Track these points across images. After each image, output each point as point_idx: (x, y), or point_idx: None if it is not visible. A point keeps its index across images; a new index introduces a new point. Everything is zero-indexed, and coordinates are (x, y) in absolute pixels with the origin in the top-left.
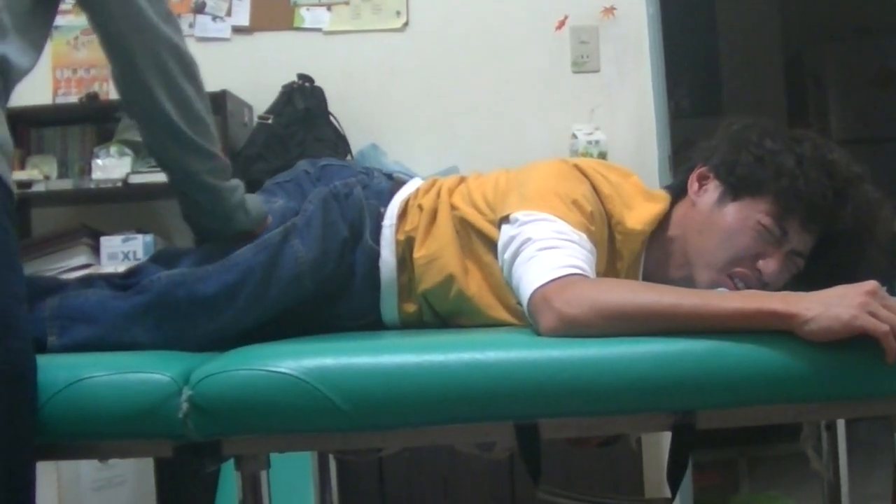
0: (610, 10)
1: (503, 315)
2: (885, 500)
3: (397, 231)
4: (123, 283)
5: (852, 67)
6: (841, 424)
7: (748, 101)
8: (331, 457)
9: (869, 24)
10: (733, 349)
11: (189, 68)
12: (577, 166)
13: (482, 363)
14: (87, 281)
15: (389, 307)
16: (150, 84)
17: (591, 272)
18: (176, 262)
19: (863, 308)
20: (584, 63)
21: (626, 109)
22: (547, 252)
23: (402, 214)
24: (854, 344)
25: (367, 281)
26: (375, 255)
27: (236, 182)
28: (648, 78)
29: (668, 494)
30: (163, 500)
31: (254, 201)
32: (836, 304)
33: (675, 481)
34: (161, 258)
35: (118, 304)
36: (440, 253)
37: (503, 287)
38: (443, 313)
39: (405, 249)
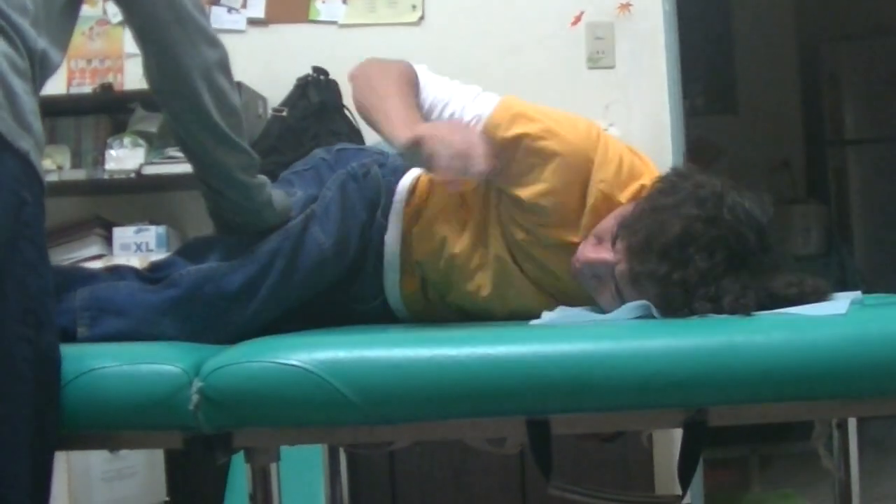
0: (626, 7)
1: (484, 281)
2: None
3: (407, 204)
4: (152, 276)
5: (868, 66)
6: (853, 423)
7: (763, 99)
8: (341, 449)
9: (885, 23)
10: (746, 346)
11: (224, 61)
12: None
13: (494, 358)
14: (118, 272)
15: (392, 284)
16: (190, 76)
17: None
18: (203, 256)
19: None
20: (599, 59)
21: (641, 106)
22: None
23: (413, 189)
24: (866, 342)
25: (378, 257)
26: (384, 231)
27: (264, 178)
28: (664, 74)
29: (679, 491)
30: (173, 492)
31: (279, 196)
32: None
33: (685, 478)
34: (188, 252)
35: (148, 297)
36: (435, 218)
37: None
38: (437, 286)
39: (411, 221)
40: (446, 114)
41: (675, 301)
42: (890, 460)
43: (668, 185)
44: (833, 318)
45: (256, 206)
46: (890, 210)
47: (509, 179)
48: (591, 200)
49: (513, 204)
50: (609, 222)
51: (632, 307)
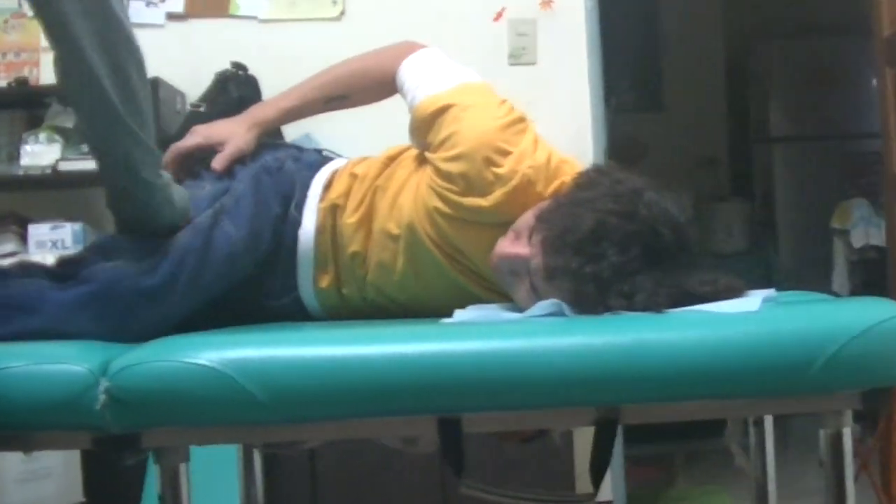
0: (548, 3)
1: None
2: (815, 496)
3: (321, 199)
4: (62, 272)
5: (793, 65)
6: (769, 420)
7: (689, 97)
8: (255, 450)
9: (811, 21)
10: (657, 344)
11: (136, 56)
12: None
13: (404, 356)
14: (26, 270)
15: (305, 278)
16: (95, 73)
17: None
18: (115, 254)
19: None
20: (521, 55)
21: (563, 103)
22: None
23: (328, 185)
24: (777, 339)
25: (291, 253)
26: (298, 226)
27: (168, 177)
28: (586, 72)
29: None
30: (89, 493)
31: (180, 194)
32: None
33: (597, 476)
34: (99, 249)
35: (59, 294)
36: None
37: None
38: (355, 272)
39: (327, 217)
40: (409, 103)
41: (589, 296)
42: (815, 456)
43: (586, 180)
44: (745, 315)
45: (157, 204)
46: (814, 207)
47: (431, 147)
48: (513, 182)
49: (433, 171)
50: (527, 217)
51: (544, 305)
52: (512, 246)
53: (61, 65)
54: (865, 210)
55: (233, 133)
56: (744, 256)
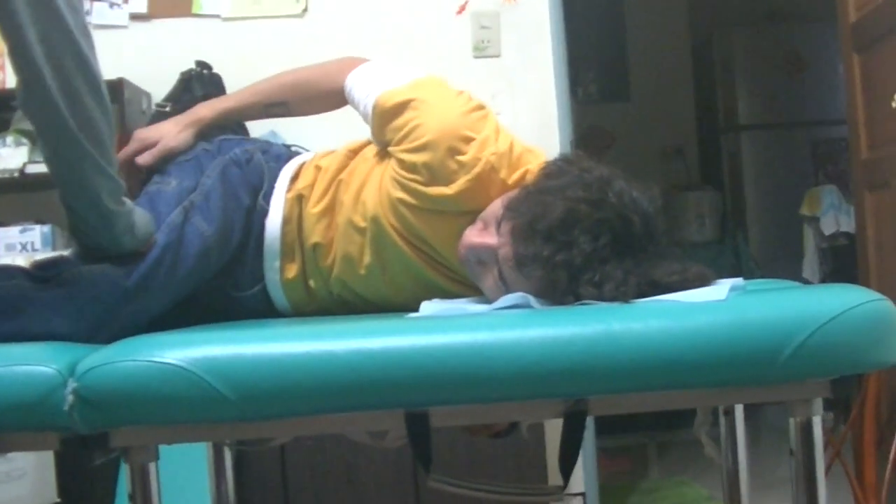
0: None
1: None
2: (789, 486)
3: (288, 190)
4: (43, 274)
5: (760, 53)
6: (739, 409)
7: (656, 86)
8: (226, 447)
9: (777, 10)
10: (623, 334)
11: (92, 80)
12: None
13: (370, 351)
14: (6, 272)
15: (272, 269)
16: (50, 96)
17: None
18: (93, 256)
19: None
20: (485, 48)
21: (528, 95)
22: None
23: (295, 176)
24: (744, 328)
25: (258, 242)
26: (265, 215)
27: (130, 205)
28: (550, 63)
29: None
30: (63, 493)
31: (142, 219)
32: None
33: (566, 468)
34: (76, 251)
35: (39, 295)
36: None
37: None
38: (321, 268)
39: (293, 206)
40: (363, 111)
41: (560, 284)
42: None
43: (554, 169)
44: (712, 304)
45: (118, 232)
46: (783, 195)
47: (393, 141)
48: (477, 170)
49: (396, 164)
50: (495, 207)
51: (510, 298)
52: (479, 235)
53: (20, 87)
54: (835, 197)
55: (166, 132)
56: (713, 245)
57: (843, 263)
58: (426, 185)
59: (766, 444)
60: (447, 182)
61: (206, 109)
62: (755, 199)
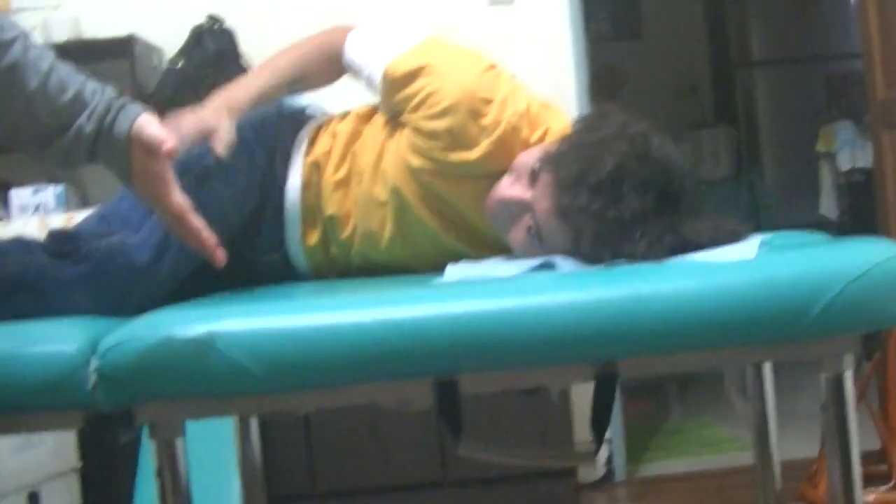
0: None
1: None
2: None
3: (306, 154)
4: (60, 249)
5: None
6: (768, 367)
7: (668, 24)
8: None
9: None
10: (652, 296)
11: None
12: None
13: (397, 321)
14: (26, 247)
15: (293, 234)
16: None
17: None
18: (109, 227)
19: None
20: None
21: (543, 39)
22: None
23: (313, 140)
24: (773, 286)
25: (278, 208)
26: (284, 180)
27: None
28: (565, 5)
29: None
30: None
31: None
32: None
33: (599, 431)
34: (97, 220)
35: (59, 272)
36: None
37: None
38: (342, 240)
39: (311, 172)
40: (367, 78)
41: (606, 240)
42: (808, 382)
43: (593, 122)
44: (741, 263)
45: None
46: (798, 131)
47: (408, 108)
48: (499, 132)
49: (413, 132)
50: (528, 159)
51: (535, 261)
52: (511, 188)
53: None
54: (850, 132)
55: (217, 124)
56: (729, 182)
57: (859, 199)
58: (447, 150)
59: (786, 379)
60: (470, 146)
61: (241, 93)
62: (770, 136)
